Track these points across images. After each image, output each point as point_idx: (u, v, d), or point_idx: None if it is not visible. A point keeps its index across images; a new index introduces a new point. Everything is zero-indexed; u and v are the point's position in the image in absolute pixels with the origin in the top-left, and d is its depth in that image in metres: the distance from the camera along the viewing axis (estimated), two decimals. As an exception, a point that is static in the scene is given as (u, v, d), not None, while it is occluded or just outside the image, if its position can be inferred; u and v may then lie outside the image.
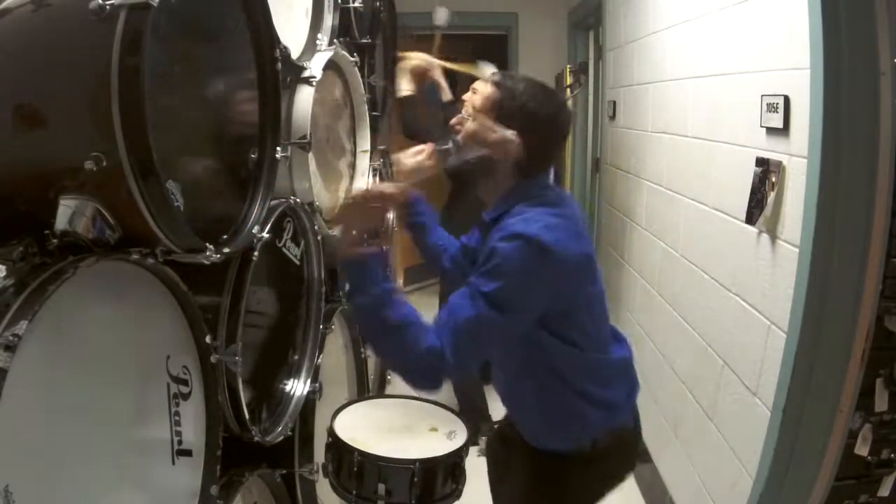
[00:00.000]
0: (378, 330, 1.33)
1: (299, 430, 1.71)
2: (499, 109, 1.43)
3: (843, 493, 1.67)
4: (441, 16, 3.29)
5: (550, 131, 1.46)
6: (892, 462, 1.68)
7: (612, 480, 1.59)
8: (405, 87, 2.90)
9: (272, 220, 1.43)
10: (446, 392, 3.27)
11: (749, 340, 1.89)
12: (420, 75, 2.94)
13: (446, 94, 3.29)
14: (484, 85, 1.48)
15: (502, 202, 1.46)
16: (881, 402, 1.61)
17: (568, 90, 4.34)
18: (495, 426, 3.16)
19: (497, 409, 3.22)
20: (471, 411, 3.02)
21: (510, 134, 1.41)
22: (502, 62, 5.06)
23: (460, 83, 3.44)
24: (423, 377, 1.32)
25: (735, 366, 2.00)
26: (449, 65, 3.06)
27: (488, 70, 3.28)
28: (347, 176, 2.17)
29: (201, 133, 1.22)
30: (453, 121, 1.51)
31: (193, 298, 1.19)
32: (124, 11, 0.94)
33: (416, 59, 2.89)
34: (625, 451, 1.58)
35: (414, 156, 1.70)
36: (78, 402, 0.95)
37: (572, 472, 1.51)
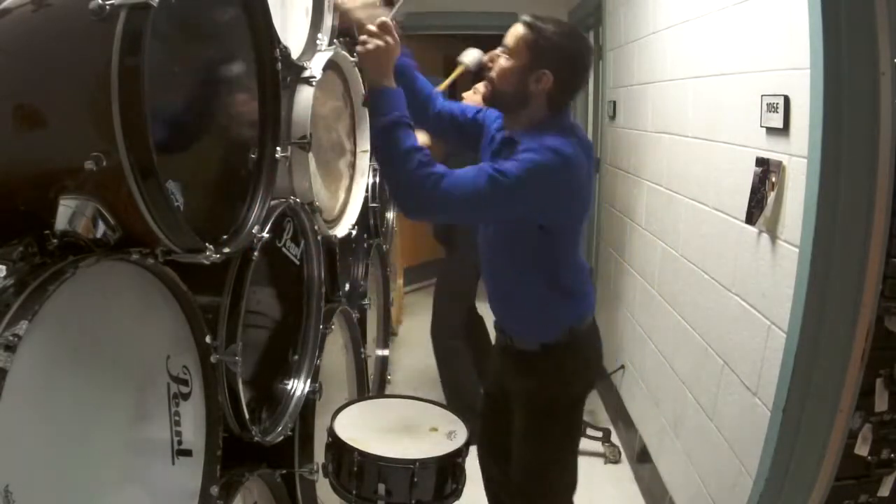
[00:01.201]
0: (391, 147, 1.53)
1: (299, 430, 1.71)
2: (532, 49, 1.61)
3: (843, 493, 1.67)
4: (471, 56, 3.33)
5: (579, 66, 1.65)
6: (892, 462, 1.68)
7: (593, 365, 1.94)
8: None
9: (272, 220, 1.43)
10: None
11: (749, 340, 1.89)
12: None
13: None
14: (515, 27, 1.65)
15: (536, 132, 1.61)
16: (881, 402, 1.61)
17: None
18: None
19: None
20: (466, 411, 3.02)
21: (544, 72, 1.59)
22: (473, 71, 5.05)
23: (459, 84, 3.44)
24: (411, 195, 1.53)
25: (735, 366, 2.00)
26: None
27: (472, 54, 3.25)
28: (347, 176, 2.17)
29: (201, 133, 1.22)
30: (486, 57, 1.72)
31: (193, 298, 1.18)
32: (124, 11, 0.94)
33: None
34: (594, 338, 1.90)
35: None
36: (78, 402, 0.94)
37: (563, 359, 1.78)
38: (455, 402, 3.18)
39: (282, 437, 1.58)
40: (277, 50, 1.39)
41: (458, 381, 3.25)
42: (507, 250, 1.77)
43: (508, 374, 1.89)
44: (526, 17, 1.65)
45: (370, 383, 2.53)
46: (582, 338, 1.81)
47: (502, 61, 1.65)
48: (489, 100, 1.72)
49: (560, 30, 1.63)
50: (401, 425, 1.77)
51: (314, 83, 1.68)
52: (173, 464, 1.19)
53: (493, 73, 1.67)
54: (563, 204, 1.61)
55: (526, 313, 1.81)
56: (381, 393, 2.95)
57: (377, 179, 2.83)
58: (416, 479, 1.55)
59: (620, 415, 3.33)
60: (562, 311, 1.78)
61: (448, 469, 1.62)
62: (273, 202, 1.45)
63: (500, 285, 1.85)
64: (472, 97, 3.18)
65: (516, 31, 1.64)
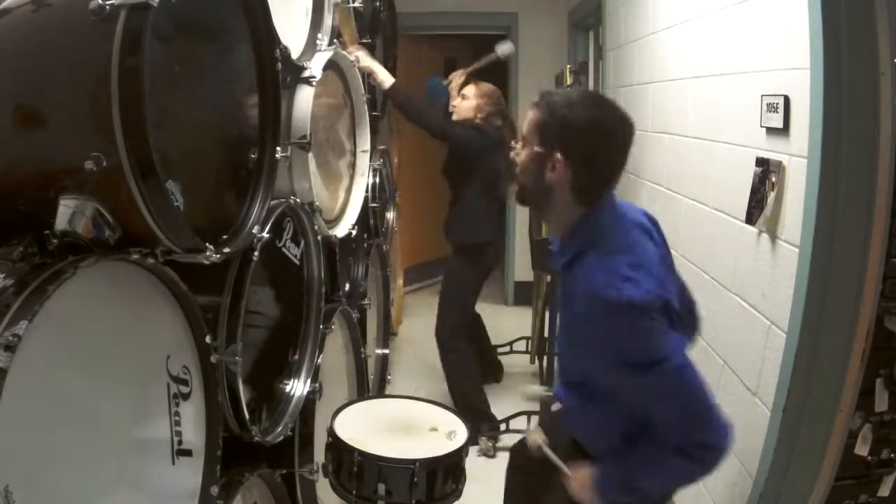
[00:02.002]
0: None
1: (299, 430, 1.71)
2: (541, 130, 1.32)
3: (843, 493, 1.67)
4: (505, 49, 3.45)
5: (597, 141, 1.30)
6: (892, 462, 1.67)
7: None
8: (386, 78, 2.84)
9: (272, 220, 1.43)
10: (446, 392, 3.27)
11: (749, 340, 1.89)
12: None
13: (452, 97, 3.30)
14: (529, 110, 1.38)
15: (570, 240, 1.37)
16: (881, 402, 1.61)
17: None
18: (500, 425, 3.17)
19: (499, 409, 3.24)
20: (470, 410, 3.02)
21: (556, 156, 1.30)
22: (502, 63, 5.06)
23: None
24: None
25: (735, 366, 2.00)
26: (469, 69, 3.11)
27: (505, 48, 3.35)
28: (347, 176, 2.17)
29: (201, 133, 1.22)
30: (512, 154, 1.43)
31: (193, 298, 1.18)
32: (124, 11, 0.94)
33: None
34: None
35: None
36: (78, 402, 0.95)
37: None
38: (460, 398, 3.18)
39: (282, 437, 1.58)
40: (277, 50, 1.39)
41: (466, 384, 3.25)
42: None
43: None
44: (540, 95, 1.36)
45: (370, 383, 2.53)
46: None
47: (521, 154, 1.39)
48: (519, 201, 1.48)
49: (573, 99, 1.32)
50: (401, 425, 1.77)
51: (314, 83, 1.69)
52: (173, 464, 1.19)
53: (517, 173, 1.41)
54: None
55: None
56: (381, 393, 2.95)
57: (377, 179, 2.83)
58: (416, 479, 1.55)
59: (620, 415, 3.32)
60: None
61: (448, 469, 1.62)
62: (273, 202, 1.45)
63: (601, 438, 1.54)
64: (462, 104, 3.19)
65: (529, 115, 1.36)
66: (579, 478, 1.45)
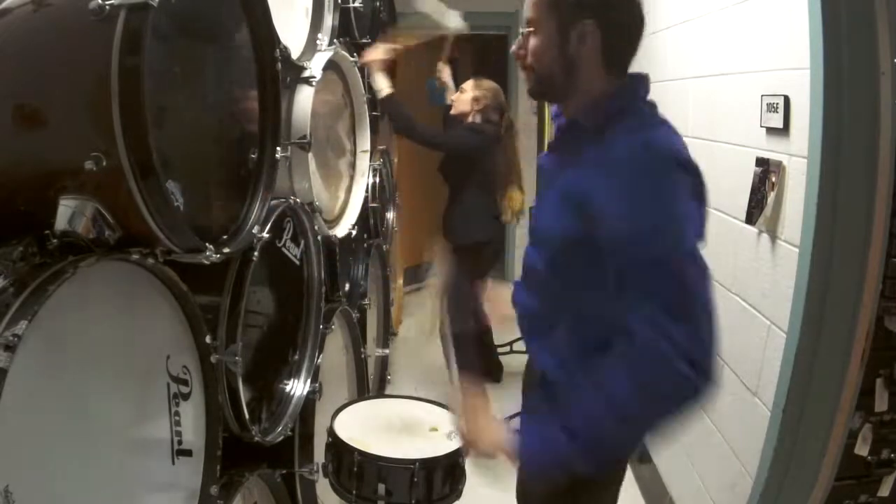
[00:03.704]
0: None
1: (299, 430, 1.71)
2: (558, 4, 1.23)
3: (843, 493, 1.67)
4: (454, 20, 3.23)
5: (628, 5, 1.28)
6: (892, 462, 1.67)
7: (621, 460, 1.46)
8: (384, 86, 2.79)
9: (272, 220, 1.43)
10: (446, 392, 3.27)
11: (749, 340, 1.89)
12: (389, 68, 2.83)
13: (451, 93, 3.29)
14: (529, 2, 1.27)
15: (598, 110, 1.24)
16: (881, 402, 1.61)
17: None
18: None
19: (499, 409, 3.23)
20: None
21: (585, 23, 1.20)
22: (502, 62, 5.06)
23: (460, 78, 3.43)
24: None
25: (735, 366, 2.00)
26: (407, 43, 2.90)
27: (455, 21, 3.14)
28: (347, 176, 2.17)
29: (201, 133, 1.22)
30: (513, 49, 1.31)
31: (193, 298, 1.18)
32: (124, 11, 0.94)
33: (375, 53, 2.70)
34: None
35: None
36: (78, 402, 0.94)
37: None
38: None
39: (282, 437, 1.58)
40: (277, 50, 1.39)
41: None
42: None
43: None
44: None
45: (370, 383, 2.53)
46: None
47: (531, 41, 1.27)
48: (536, 94, 1.36)
49: None
50: (401, 425, 1.77)
51: (314, 83, 1.69)
52: (173, 464, 1.19)
53: (527, 60, 1.28)
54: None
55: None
56: (381, 393, 2.95)
57: (377, 179, 2.83)
58: (416, 479, 1.55)
59: (620, 415, 3.32)
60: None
61: (448, 469, 1.62)
62: (273, 202, 1.45)
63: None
64: (460, 97, 3.19)
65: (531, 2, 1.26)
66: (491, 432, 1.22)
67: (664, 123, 1.23)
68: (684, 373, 1.01)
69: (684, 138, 1.29)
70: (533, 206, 1.52)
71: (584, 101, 1.26)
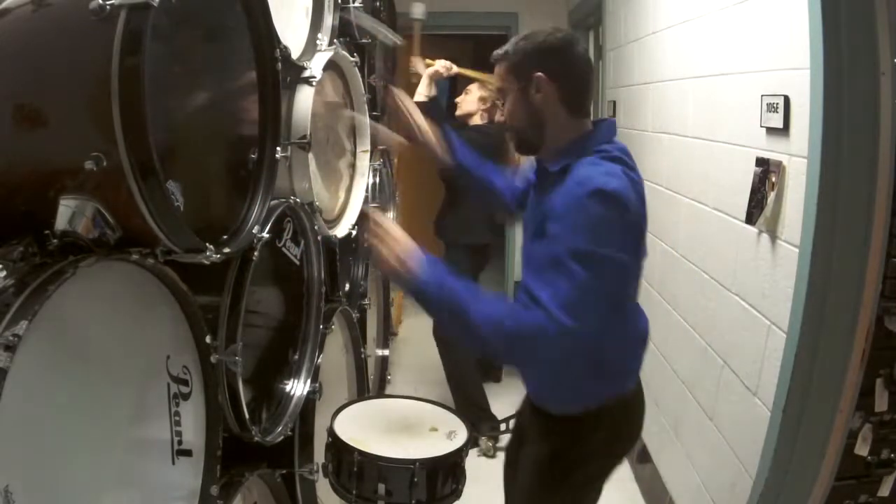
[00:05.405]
0: (478, 330, 1.29)
1: (299, 430, 1.71)
2: (514, 68, 1.43)
3: (843, 493, 1.67)
4: (418, 9, 3.31)
5: (566, 53, 1.42)
6: (892, 462, 1.67)
7: (624, 440, 1.63)
8: (424, 93, 2.94)
9: (272, 220, 1.43)
10: (446, 392, 3.27)
11: (749, 340, 1.89)
12: (437, 81, 3.03)
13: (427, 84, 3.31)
14: (496, 67, 1.48)
15: (566, 152, 1.42)
16: (881, 402, 1.61)
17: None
18: (500, 425, 3.17)
19: (499, 409, 3.24)
20: (470, 409, 3.02)
21: (537, 76, 1.39)
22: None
23: (460, 85, 3.44)
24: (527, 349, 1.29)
25: (735, 366, 2.00)
26: (467, 72, 3.08)
27: (417, 9, 3.24)
28: (347, 176, 2.17)
29: (201, 133, 1.22)
30: (497, 116, 1.59)
31: (193, 298, 1.18)
32: (124, 11, 0.94)
33: (440, 66, 2.98)
34: (631, 412, 1.64)
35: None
36: (78, 401, 0.94)
37: (584, 433, 1.52)
38: (460, 397, 3.19)
39: (282, 437, 1.58)
40: (277, 50, 1.39)
41: (466, 383, 3.25)
42: None
43: (527, 421, 1.68)
44: (495, 53, 1.47)
45: (370, 383, 2.53)
46: (615, 412, 1.54)
47: (506, 106, 1.49)
48: (522, 150, 1.55)
49: (526, 34, 1.46)
50: (401, 425, 1.77)
51: (314, 83, 1.68)
52: (173, 464, 1.19)
53: (509, 123, 1.51)
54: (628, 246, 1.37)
55: (545, 378, 1.58)
56: (381, 393, 2.95)
57: (377, 179, 2.83)
58: (416, 479, 1.55)
59: (620, 415, 3.32)
60: (592, 386, 1.51)
61: (448, 469, 1.62)
62: (273, 202, 1.45)
63: None
64: (466, 98, 3.20)
65: (497, 71, 1.48)
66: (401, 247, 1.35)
67: (619, 162, 1.40)
68: (547, 331, 1.22)
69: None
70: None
71: (559, 143, 1.45)
